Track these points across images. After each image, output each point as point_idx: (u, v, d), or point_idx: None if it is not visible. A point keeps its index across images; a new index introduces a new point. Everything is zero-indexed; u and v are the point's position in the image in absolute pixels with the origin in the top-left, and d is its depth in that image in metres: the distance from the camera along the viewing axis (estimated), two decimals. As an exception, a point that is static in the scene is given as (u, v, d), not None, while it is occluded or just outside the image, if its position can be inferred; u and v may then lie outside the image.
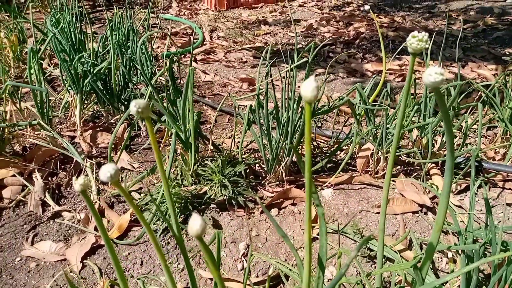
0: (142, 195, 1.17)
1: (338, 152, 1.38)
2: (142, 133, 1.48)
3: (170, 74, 1.15)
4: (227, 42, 2.76)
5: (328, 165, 1.32)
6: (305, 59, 1.08)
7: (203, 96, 1.91)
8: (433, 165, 1.30)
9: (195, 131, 1.11)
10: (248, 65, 2.41)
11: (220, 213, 1.09)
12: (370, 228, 1.06)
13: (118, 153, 1.21)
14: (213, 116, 1.65)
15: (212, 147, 1.22)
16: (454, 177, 1.28)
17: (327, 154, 1.34)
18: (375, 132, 1.23)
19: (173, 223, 0.49)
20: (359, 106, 1.22)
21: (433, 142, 1.27)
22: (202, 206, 1.09)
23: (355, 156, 1.32)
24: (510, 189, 1.24)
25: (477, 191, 1.25)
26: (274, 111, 1.15)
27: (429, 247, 0.52)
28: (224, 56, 2.52)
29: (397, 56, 2.44)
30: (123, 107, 1.52)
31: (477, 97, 1.43)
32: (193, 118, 1.11)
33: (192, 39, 2.57)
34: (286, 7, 3.70)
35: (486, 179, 1.28)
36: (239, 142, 1.44)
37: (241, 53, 2.58)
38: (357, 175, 1.26)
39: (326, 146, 1.40)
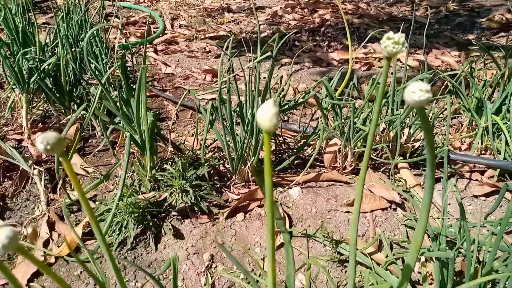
0: (97, 203, 1.08)
1: (306, 147, 1.33)
2: (97, 133, 1.38)
3: (122, 70, 1.05)
4: (189, 31, 2.65)
5: (296, 161, 1.27)
6: (269, 53, 1.02)
7: (164, 90, 1.81)
8: (401, 158, 1.27)
9: (151, 134, 1.03)
10: (212, 55, 2.32)
11: (182, 221, 1.02)
12: (340, 229, 1.02)
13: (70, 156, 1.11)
14: (174, 111, 1.57)
15: (172, 149, 1.14)
16: (423, 170, 1.27)
17: (294, 150, 1.29)
18: (343, 126, 1.19)
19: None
20: (325, 101, 1.17)
21: (401, 134, 1.24)
22: (162, 214, 1.02)
23: (323, 152, 1.27)
24: (477, 180, 1.23)
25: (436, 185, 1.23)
26: (238, 108, 1.08)
27: (405, 269, 0.48)
28: (186, 46, 2.41)
29: (362, 44, 2.41)
30: (75, 105, 1.41)
31: (443, 86, 1.41)
32: (147, 121, 1.02)
33: (147, 29, 2.45)
34: (249, -7, 3.60)
35: (453, 171, 1.27)
36: (202, 139, 1.37)
37: (204, 43, 2.48)
38: (324, 172, 1.22)
39: (293, 141, 1.35)
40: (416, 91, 0.28)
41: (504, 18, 2.59)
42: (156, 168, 1.09)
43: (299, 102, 1.15)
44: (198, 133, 1.38)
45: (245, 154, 1.13)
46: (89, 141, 1.36)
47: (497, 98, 1.30)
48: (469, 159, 1.25)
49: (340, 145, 1.23)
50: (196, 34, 2.60)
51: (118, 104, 1.02)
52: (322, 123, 1.17)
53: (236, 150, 1.10)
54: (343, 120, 1.16)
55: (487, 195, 1.17)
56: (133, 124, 1.04)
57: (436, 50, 2.24)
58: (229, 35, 2.66)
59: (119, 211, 0.94)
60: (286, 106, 1.15)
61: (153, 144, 1.07)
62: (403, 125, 1.20)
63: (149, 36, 2.38)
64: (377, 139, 1.29)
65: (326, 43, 2.50)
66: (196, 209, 1.03)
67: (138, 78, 0.90)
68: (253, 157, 1.12)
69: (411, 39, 2.48)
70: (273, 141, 1.28)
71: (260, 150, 1.13)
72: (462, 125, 1.49)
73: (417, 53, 2.28)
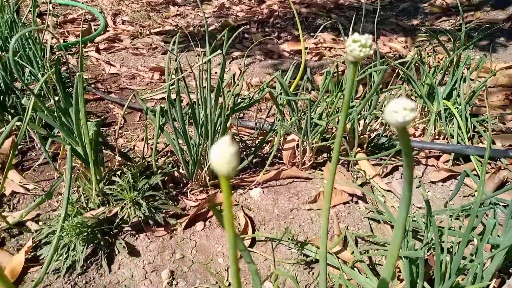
0: (40, 224, 0.98)
1: (264, 145, 1.29)
2: (36, 145, 1.26)
3: (57, 77, 0.95)
4: (133, 27, 2.52)
5: (254, 160, 1.22)
6: (219, 51, 0.96)
7: (109, 92, 1.70)
8: (359, 149, 1.26)
9: (94, 145, 0.94)
10: (159, 51, 2.22)
11: (137, 236, 0.94)
12: (304, 229, 0.99)
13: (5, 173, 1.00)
14: (121, 115, 1.47)
15: (120, 158, 1.06)
16: (380, 159, 1.26)
17: (253, 149, 1.24)
18: (300, 122, 1.16)
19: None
20: (280, 97, 1.12)
21: (357, 125, 1.23)
22: (114, 231, 0.94)
23: (281, 148, 1.23)
24: (433, 165, 1.25)
25: (393, 173, 1.24)
26: (189, 109, 1.01)
27: (381, 283, 0.44)
28: (130, 43, 2.29)
29: (312, 34, 2.40)
30: (9, 116, 1.28)
31: (395, 74, 1.42)
32: (88, 131, 0.94)
33: (81, 28, 2.30)
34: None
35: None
36: (153, 144, 1.29)
37: (150, 38, 2.37)
38: (284, 169, 1.18)
39: (250, 139, 1.31)
40: (399, 110, 0.24)
41: (444, 3, 2.67)
42: (104, 181, 1.00)
43: (254, 100, 1.10)
44: (148, 137, 1.30)
45: (201, 158, 1.07)
46: (28, 154, 1.24)
47: (447, 84, 1.32)
48: (424, 145, 1.26)
49: (298, 140, 1.20)
50: (141, 30, 2.48)
51: (55, 114, 0.92)
52: (279, 119, 1.14)
53: (191, 154, 1.04)
54: (300, 115, 1.13)
55: (444, 180, 1.18)
56: (74, 135, 0.95)
57: (383, 37, 2.27)
58: (176, 29, 2.55)
59: (65, 233, 0.85)
60: (241, 105, 1.09)
61: (98, 155, 0.98)
62: (359, 116, 1.19)
63: (88, 35, 2.24)
64: (332, 131, 1.27)
65: (276, 34, 2.46)
66: (151, 222, 0.96)
67: (75, 86, 0.81)
68: (210, 161, 1.06)
69: (358, 26, 2.49)
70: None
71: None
72: (414, 111, 1.51)
73: (366, 41, 2.29)
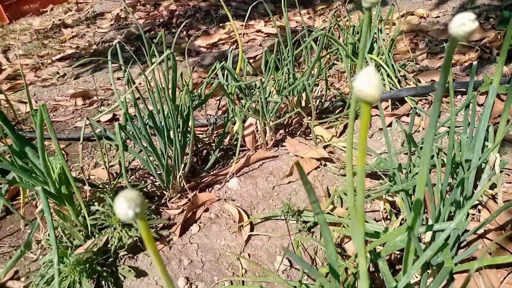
0: (22, 280, 0.90)
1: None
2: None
3: (2, 118, 0.87)
4: (30, 59, 2.33)
5: (218, 154, 1.23)
6: (168, 50, 0.95)
7: (34, 131, 1.57)
8: (309, 117, 1.34)
9: (65, 180, 0.89)
10: (69, 77, 2.09)
11: (136, 257, 0.91)
12: (292, 200, 1.04)
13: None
14: (81, 147, 1.38)
15: (90, 187, 1.01)
16: (329, 123, 1.35)
17: (214, 146, 1.25)
18: (255, 105, 1.19)
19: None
20: (232, 85, 1.15)
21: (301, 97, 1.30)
22: (110, 259, 0.90)
23: (242, 135, 1.26)
24: (377, 115, 1.36)
25: (346, 131, 1.33)
26: (149, 117, 0.99)
27: (416, 204, 0.50)
28: (35, 76, 2.12)
29: (220, 25, 2.43)
30: None
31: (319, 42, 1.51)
32: (54, 169, 0.88)
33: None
34: (81, 2, 3.31)
35: (355, 114, 1.38)
36: (111, 167, 1.23)
37: (55, 66, 2.22)
38: (251, 154, 1.21)
39: (205, 136, 1.31)
40: (466, 22, 0.28)
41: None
42: (82, 215, 0.95)
43: (209, 93, 1.11)
44: (105, 161, 1.24)
45: (171, 166, 1.05)
46: (-27, 215, 1.12)
47: (366, 39, 1.45)
48: (363, 99, 1.37)
49: (256, 124, 1.23)
50: (41, 60, 2.30)
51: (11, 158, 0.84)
52: (233, 108, 1.16)
53: (162, 164, 1.02)
54: (252, 99, 1.16)
55: (390, 125, 1.30)
56: (36, 175, 0.88)
57: (289, 13, 2.38)
58: (78, 50, 2.42)
59: (65, 275, 0.80)
60: (198, 102, 1.09)
61: (69, 190, 0.92)
62: (304, 87, 1.25)
63: (-14, 77, 2.03)
64: (283, 107, 1.33)
65: (184, 33, 2.45)
66: (146, 239, 0.93)
67: (38, 119, 0.75)
68: (183, 164, 1.05)
69: (260, 8, 2.58)
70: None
71: (191, 153, 1.07)
72: (342, 73, 1.63)
73: (271, 21, 2.38)
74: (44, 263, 0.86)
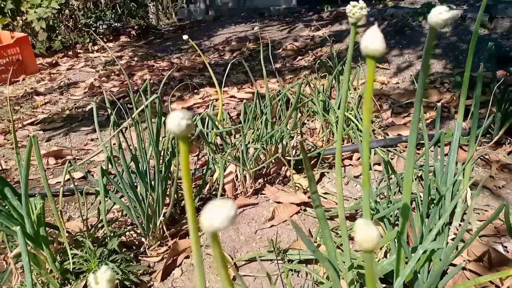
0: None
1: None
2: None
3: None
4: (1, 123, 2.30)
5: (198, 204, 1.23)
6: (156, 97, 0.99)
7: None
8: (287, 167, 1.38)
9: (43, 223, 0.86)
10: (41, 139, 2.07)
11: (116, 303, 0.86)
12: (275, 241, 1.03)
13: None
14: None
15: (67, 233, 0.97)
16: (304, 173, 1.39)
17: (194, 195, 1.25)
18: (235, 153, 1.23)
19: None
20: (211, 133, 1.18)
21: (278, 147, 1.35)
22: (89, 307, 0.85)
23: (222, 183, 1.27)
24: (350, 164, 1.43)
25: (322, 179, 1.38)
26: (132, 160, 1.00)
27: (403, 210, 0.53)
28: (5, 139, 2.09)
29: (195, 91, 2.53)
30: None
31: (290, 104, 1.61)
32: (32, 210, 0.86)
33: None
34: (54, 73, 3.37)
35: (329, 164, 1.44)
36: (85, 220, 1.20)
37: (26, 130, 2.20)
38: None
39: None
40: (442, 11, 0.34)
41: (294, 47, 3.11)
42: (58, 260, 0.90)
43: (191, 139, 1.14)
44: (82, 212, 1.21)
45: (152, 212, 1.04)
46: None
47: (336, 97, 1.56)
48: (335, 151, 1.44)
49: (236, 171, 1.26)
50: (11, 124, 2.28)
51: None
52: (217, 156, 1.19)
53: (143, 211, 1.01)
54: (236, 145, 1.20)
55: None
56: (15, 219, 0.85)
57: (259, 81, 2.53)
58: (51, 116, 2.42)
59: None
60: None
61: (46, 234, 0.89)
62: (281, 136, 1.31)
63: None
64: (262, 158, 1.37)
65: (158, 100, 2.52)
66: (127, 283, 0.89)
67: (25, 160, 0.75)
68: (163, 209, 1.04)
69: (232, 78, 2.72)
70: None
71: (173, 198, 1.06)
72: (313, 130, 1.71)
73: (244, 88, 2.52)
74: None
